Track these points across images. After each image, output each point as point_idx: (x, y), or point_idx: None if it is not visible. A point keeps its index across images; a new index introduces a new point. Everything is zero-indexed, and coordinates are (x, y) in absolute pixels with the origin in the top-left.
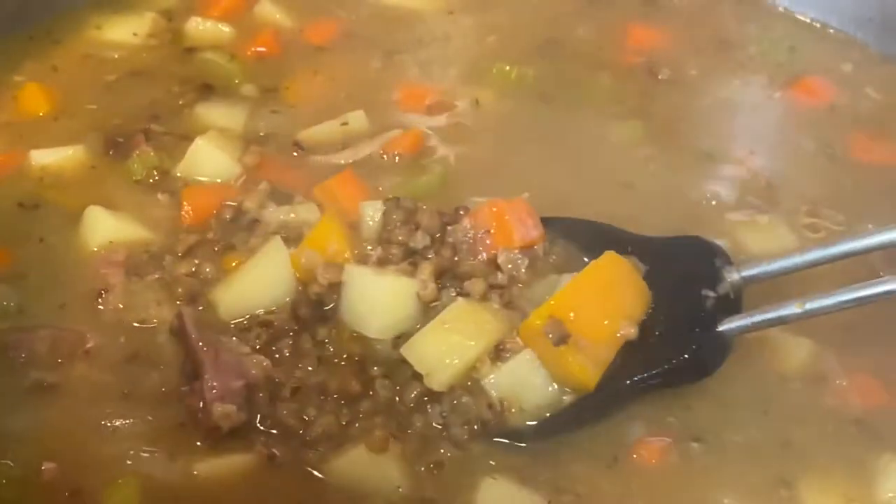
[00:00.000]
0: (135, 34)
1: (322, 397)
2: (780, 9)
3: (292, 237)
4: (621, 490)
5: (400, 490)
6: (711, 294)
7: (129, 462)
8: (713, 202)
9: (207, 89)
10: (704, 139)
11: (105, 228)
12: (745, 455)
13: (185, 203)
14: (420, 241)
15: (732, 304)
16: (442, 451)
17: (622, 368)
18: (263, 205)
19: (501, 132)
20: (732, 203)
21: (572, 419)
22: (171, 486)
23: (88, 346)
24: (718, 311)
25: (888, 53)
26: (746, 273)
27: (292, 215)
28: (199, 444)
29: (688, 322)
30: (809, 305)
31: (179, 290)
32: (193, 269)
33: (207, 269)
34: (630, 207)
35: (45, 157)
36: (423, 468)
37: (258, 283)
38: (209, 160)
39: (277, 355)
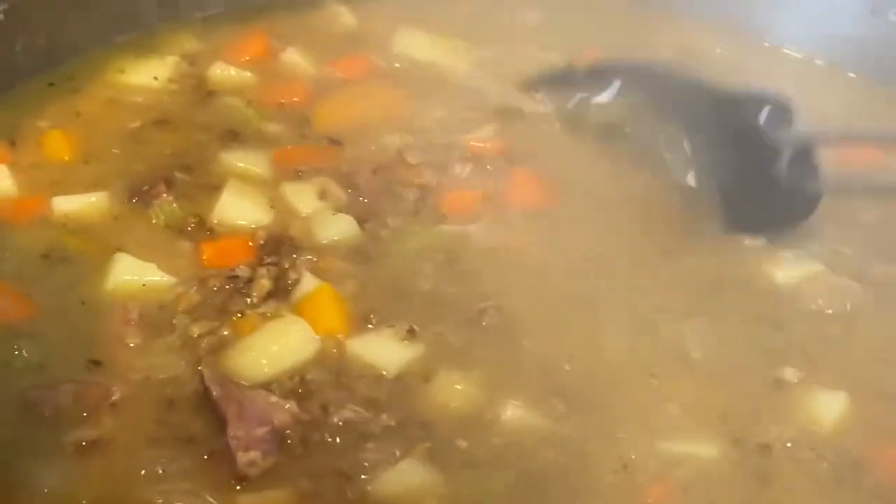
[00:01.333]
0: (155, 78)
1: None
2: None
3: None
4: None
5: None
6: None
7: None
8: None
9: (231, 136)
10: None
11: (131, 277)
12: None
13: (203, 255)
14: None
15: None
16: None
17: None
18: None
19: None
20: None
21: None
22: None
23: (114, 398)
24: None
25: None
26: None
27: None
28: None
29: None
30: None
31: (199, 355)
32: (209, 331)
33: (225, 333)
34: None
35: (68, 204)
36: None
37: (272, 354)
38: (237, 208)
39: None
